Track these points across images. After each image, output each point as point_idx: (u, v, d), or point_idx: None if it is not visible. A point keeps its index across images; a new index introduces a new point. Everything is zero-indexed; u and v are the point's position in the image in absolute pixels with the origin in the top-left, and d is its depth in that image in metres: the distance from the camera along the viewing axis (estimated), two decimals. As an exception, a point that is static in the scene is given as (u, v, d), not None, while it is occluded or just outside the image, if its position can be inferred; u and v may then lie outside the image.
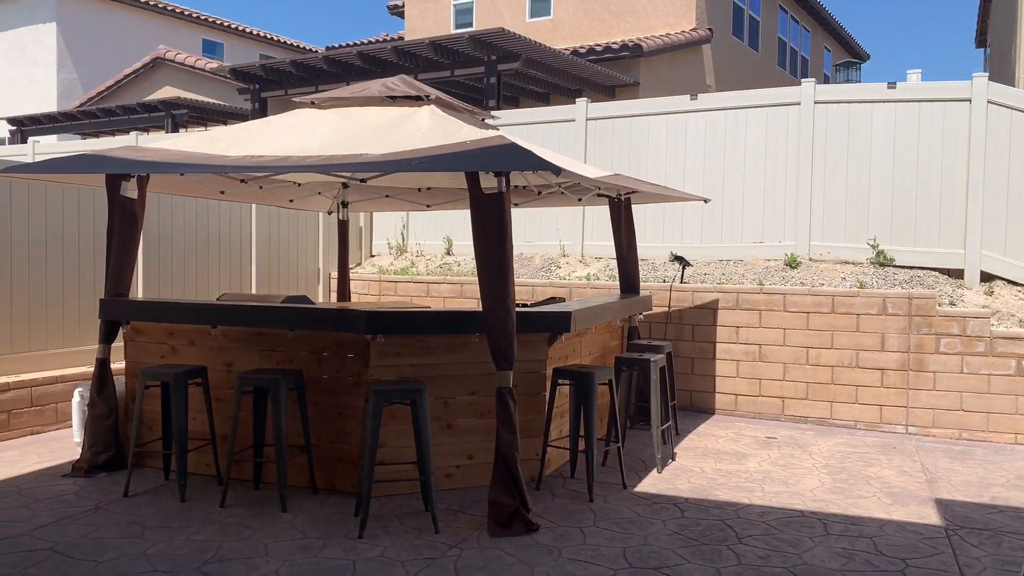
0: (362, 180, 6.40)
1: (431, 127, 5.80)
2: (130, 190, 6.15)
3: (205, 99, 19.33)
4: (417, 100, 6.37)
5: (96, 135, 20.05)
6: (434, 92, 6.41)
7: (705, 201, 8.12)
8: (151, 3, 24.92)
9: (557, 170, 4.45)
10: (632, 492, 5.76)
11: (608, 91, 15.53)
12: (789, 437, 7.58)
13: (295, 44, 29.05)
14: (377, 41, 23.79)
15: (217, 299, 6.60)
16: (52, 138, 21.76)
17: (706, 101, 9.51)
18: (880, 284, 8.19)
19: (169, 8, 25.59)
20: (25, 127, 20.12)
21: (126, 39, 25.00)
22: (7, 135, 22.40)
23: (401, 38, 22.02)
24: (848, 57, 27.04)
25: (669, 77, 16.18)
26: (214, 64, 19.95)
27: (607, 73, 14.43)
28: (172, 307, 5.89)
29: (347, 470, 5.63)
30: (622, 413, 6.39)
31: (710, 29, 17.19)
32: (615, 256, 9.83)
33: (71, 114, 19.25)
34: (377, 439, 4.88)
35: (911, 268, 8.48)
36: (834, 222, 8.84)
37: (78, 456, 6.29)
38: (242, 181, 6.47)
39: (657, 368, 6.31)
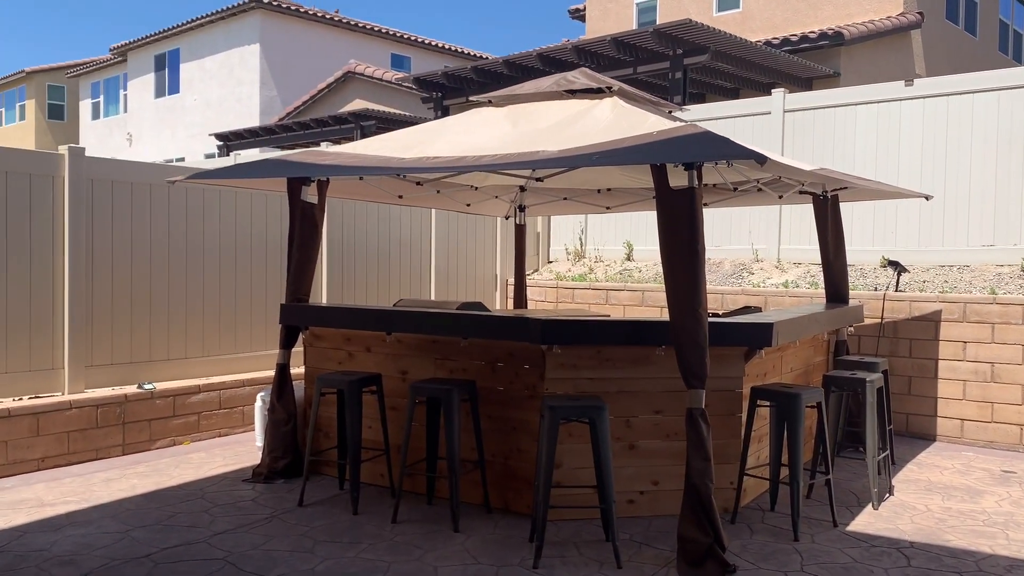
0: (539, 179, 6.04)
1: (613, 119, 5.33)
2: (310, 195, 6.10)
3: (392, 110, 19.86)
4: (598, 93, 5.93)
5: (292, 147, 21.13)
6: (616, 83, 5.95)
7: (927, 198, 7.13)
8: (344, 21, 26.07)
9: (762, 159, 3.85)
10: (844, 531, 5.00)
11: (805, 83, 14.42)
12: (1032, 472, 6.47)
13: (478, 55, 29.49)
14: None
15: (394, 305, 6.44)
16: (254, 151, 23.17)
17: (923, 87, 8.43)
18: None
19: (360, 25, 26.67)
20: (230, 141, 21.52)
21: (321, 57, 26.28)
22: (216, 150, 24.11)
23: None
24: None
25: (873, 67, 14.82)
26: (400, 75, 20.46)
27: (804, 64, 13.38)
28: (348, 313, 5.76)
29: (522, 489, 5.25)
30: (831, 439, 5.62)
31: (920, 13, 15.63)
32: (817, 261, 8.95)
33: (270, 128, 20.37)
34: (553, 460, 4.46)
35: None
36: (1086, 221, 7.53)
37: (259, 461, 6.30)
38: (418, 184, 6.29)
39: (874, 389, 5.50)
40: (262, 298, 7.85)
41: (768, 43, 14.19)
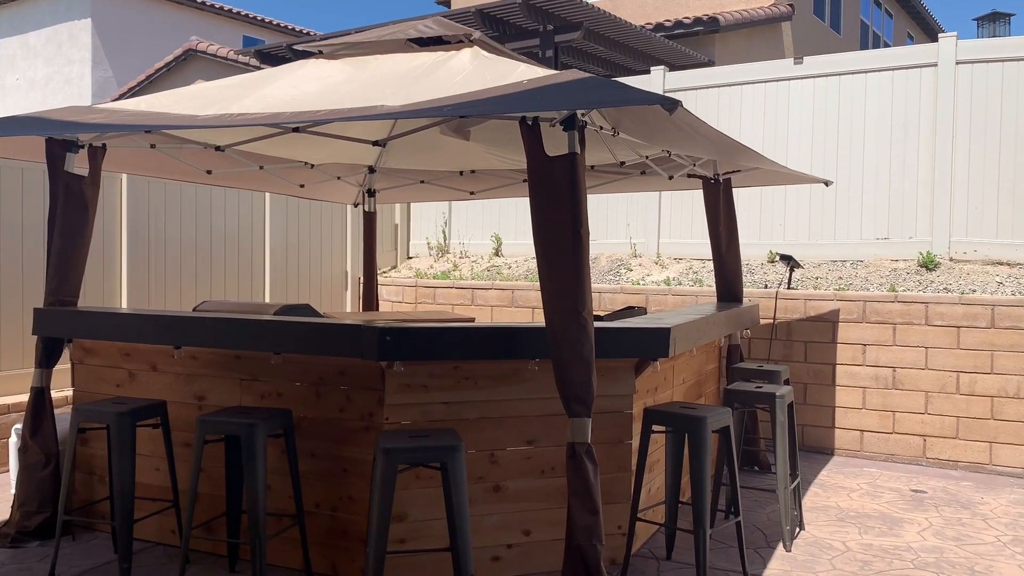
0: (376, 142, 4.80)
1: (473, 71, 4.19)
2: (78, 165, 4.66)
3: (238, 93, 18.00)
4: (456, 44, 4.78)
5: (126, 133, 18.88)
6: (477, 32, 4.80)
7: (826, 184, 6.37)
8: (190, -1, 23.88)
9: (671, 104, 2.78)
10: (758, 587, 4.03)
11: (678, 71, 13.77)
12: (942, 490, 5.77)
13: (338, 40, 27.73)
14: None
15: (194, 309, 5.06)
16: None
17: (813, 65, 7.72)
18: (1055, 290, 6.33)
19: (208, 4, 24.51)
20: (52, 125, 19.05)
21: (165, 37, 23.97)
22: (38, 135, 21.47)
23: (447, 27, 20.47)
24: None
25: (747, 57, 14.36)
26: (245, 51, 18.67)
27: (680, 50, 12.70)
28: (121, 320, 4.35)
29: (354, 549, 4.01)
30: (735, 469, 4.65)
31: (791, 5, 15.32)
32: (699, 256, 8.14)
33: (98, 110, 18.11)
34: (388, 519, 3.26)
35: (1092, 270, 6.60)
36: (984, 212, 6.98)
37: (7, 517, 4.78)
38: (217, 149, 4.94)
39: (784, 405, 4.59)
40: (33, 300, 6.24)
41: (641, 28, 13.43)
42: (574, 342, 3.35)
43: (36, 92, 24.25)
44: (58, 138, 4.59)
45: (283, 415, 3.88)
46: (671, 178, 5.65)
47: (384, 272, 9.66)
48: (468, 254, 9.66)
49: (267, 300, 8.12)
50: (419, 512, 3.95)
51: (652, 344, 4.03)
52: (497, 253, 9.42)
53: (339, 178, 6.74)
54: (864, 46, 20.28)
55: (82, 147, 4.68)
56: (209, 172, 5.62)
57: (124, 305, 6.80)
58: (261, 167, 5.82)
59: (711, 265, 7.99)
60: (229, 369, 4.29)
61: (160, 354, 4.49)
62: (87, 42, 23.06)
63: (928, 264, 7.02)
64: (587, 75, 3.33)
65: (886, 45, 21.98)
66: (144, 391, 4.55)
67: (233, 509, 4.10)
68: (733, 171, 6.02)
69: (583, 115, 3.50)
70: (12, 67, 25.05)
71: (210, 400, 4.36)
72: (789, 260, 7.13)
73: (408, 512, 3.93)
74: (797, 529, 4.87)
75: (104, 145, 4.79)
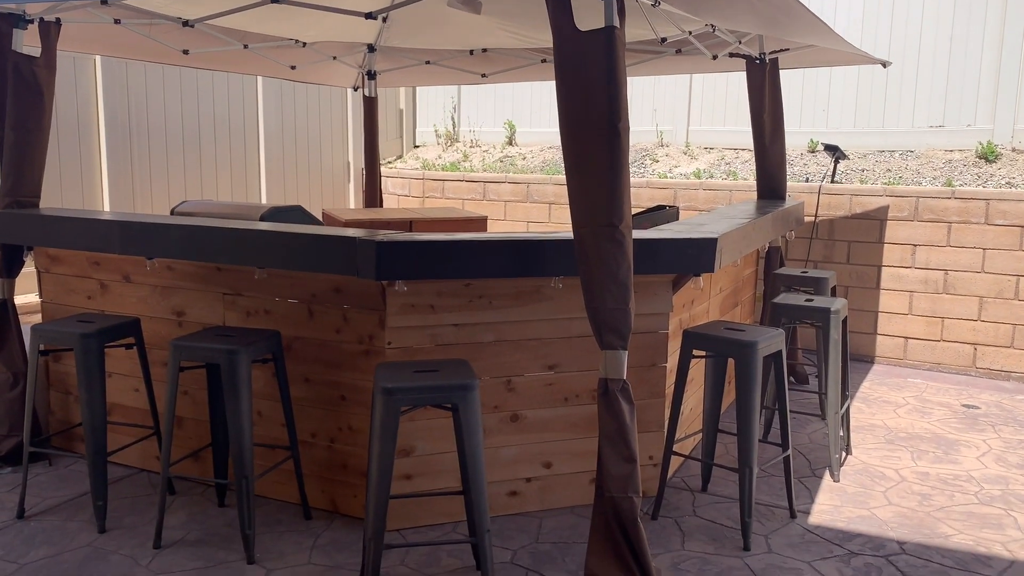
0: (369, 14, 4.11)
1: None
2: (27, 44, 4.03)
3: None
4: None
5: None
6: None
7: (884, 65, 5.64)
8: None
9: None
10: (807, 526, 3.60)
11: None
12: (996, 405, 5.31)
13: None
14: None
15: (172, 210, 4.51)
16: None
17: (870, -73, 6.82)
18: None
19: None
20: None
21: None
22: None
23: None
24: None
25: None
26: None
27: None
28: (85, 225, 3.80)
29: (355, 484, 3.59)
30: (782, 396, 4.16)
31: None
32: (732, 146, 7.47)
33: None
34: (390, 465, 2.79)
35: None
36: (1056, 97, 6.25)
37: (-18, 438, 4.39)
38: (186, 24, 4.25)
39: (839, 321, 4.06)
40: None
41: None
42: (608, 261, 2.80)
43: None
44: (1, 11, 3.94)
45: (271, 337, 3.38)
46: (715, 57, 4.93)
47: (389, 163, 9.03)
48: (479, 143, 8.99)
49: (263, 194, 7.55)
50: (427, 445, 3.50)
51: (695, 257, 3.47)
52: (511, 142, 8.74)
53: (335, 58, 6.04)
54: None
55: (31, 22, 4.04)
56: (186, 52, 4.93)
57: (106, 205, 6.25)
58: (246, 46, 5.13)
59: (744, 155, 7.33)
60: (210, 282, 3.77)
61: (133, 264, 3.96)
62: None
63: (988, 155, 6.35)
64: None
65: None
66: (117, 304, 4.05)
67: (220, 439, 3.66)
68: (781, 50, 5.30)
69: (622, -21, 2.83)
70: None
71: (190, 316, 3.86)
72: (835, 151, 6.45)
73: (415, 445, 3.48)
74: (844, 454, 4.43)
75: (58, 20, 4.13)
